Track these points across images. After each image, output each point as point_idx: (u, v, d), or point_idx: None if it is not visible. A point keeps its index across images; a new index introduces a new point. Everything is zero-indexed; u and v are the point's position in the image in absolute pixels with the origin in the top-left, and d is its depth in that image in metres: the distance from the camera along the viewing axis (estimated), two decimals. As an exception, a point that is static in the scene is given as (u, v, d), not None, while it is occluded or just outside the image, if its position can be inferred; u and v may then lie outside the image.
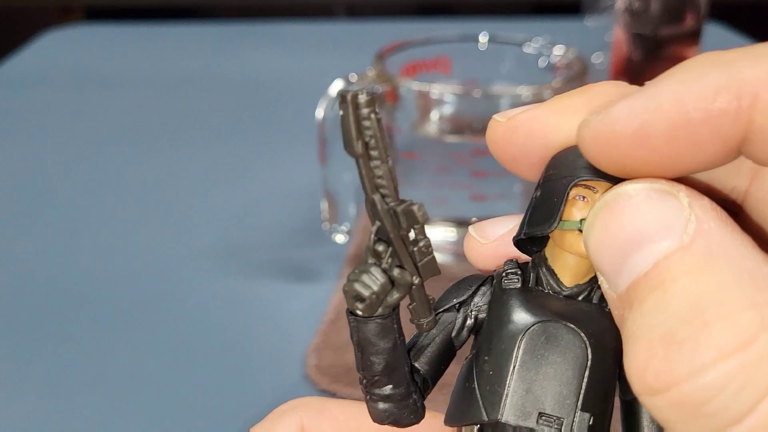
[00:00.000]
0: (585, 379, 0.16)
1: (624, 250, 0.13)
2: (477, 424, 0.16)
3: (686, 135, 0.13)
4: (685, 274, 0.12)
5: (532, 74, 0.50)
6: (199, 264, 0.51)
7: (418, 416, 0.18)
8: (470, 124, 0.48)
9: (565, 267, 0.16)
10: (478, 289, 0.17)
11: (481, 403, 0.16)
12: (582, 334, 0.16)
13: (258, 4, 1.71)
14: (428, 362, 0.17)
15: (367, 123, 0.15)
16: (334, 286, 0.48)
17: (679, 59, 0.57)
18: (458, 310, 0.17)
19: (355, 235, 0.52)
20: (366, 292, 0.15)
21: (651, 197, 0.13)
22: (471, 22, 0.99)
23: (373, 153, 0.15)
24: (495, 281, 0.17)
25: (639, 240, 0.13)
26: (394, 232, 0.15)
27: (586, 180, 0.15)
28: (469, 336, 0.18)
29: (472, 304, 0.17)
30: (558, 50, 0.50)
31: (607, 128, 0.14)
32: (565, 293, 0.17)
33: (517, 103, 0.44)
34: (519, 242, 0.17)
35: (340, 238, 0.49)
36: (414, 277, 0.16)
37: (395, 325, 0.16)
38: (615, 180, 0.15)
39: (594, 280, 0.17)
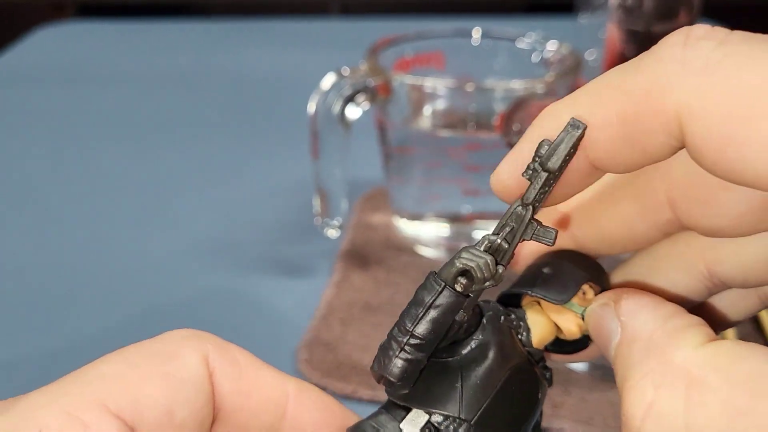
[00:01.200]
0: (530, 418, 0.19)
1: (601, 344, 0.18)
2: (447, 416, 0.18)
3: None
4: (619, 362, 0.17)
5: (525, 69, 0.50)
6: (191, 259, 0.51)
7: (407, 391, 0.18)
8: (463, 119, 0.47)
9: (539, 332, 0.20)
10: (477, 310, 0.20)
11: (461, 400, 0.18)
12: (540, 384, 0.20)
13: (252, 2, 1.71)
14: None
15: (573, 154, 0.17)
16: (325, 281, 0.47)
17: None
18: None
19: (347, 230, 0.52)
20: (479, 275, 0.17)
21: (597, 313, 0.19)
22: (465, 20, 0.99)
23: (554, 176, 0.17)
24: (492, 313, 0.20)
25: (605, 341, 0.18)
26: (517, 241, 0.18)
27: (589, 282, 0.20)
28: (448, 341, 0.19)
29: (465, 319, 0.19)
30: (551, 45, 0.50)
31: (499, 181, 0.18)
32: (527, 349, 0.20)
33: (510, 96, 0.43)
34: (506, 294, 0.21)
35: (332, 233, 0.49)
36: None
37: (461, 310, 0.18)
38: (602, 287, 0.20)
39: (542, 350, 0.21)
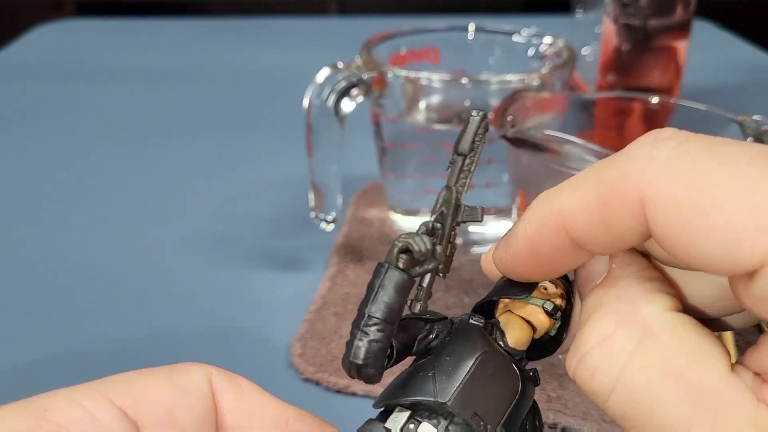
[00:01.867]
0: (512, 405, 0.20)
1: (582, 281, 0.20)
2: (416, 404, 0.19)
3: (540, 252, 0.19)
4: (591, 299, 0.19)
5: (520, 64, 0.50)
6: (186, 253, 0.51)
7: (378, 376, 0.19)
8: (458, 113, 0.47)
9: (513, 332, 0.21)
10: (441, 320, 0.21)
11: (435, 385, 0.19)
12: (518, 373, 0.20)
13: (249, 0, 1.71)
14: (400, 342, 0.20)
15: (480, 138, 0.20)
16: (320, 275, 0.47)
17: (668, 50, 0.57)
18: (426, 324, 0.21)
19: (342, 225, 0.52)
20: (416, 247, 0.18)
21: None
22: (462, 18, 0.99)
23: (470, 159, 0.20)
24: (459, 319, 0.21)
25: (586, 279, 0.20)
26: (451, 222, 0.19)
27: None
28: (423, 348, 0.20)
29: (435, 326, 0.21)
30: (546, 40, 0.49)
31: (495, 260, 0.20)
32: (506, 349, 0.21)
33: (505, 90, 0.43)
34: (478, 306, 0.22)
35: (327, 227, 0.49)
36: (441, 264, 0.19)
37: (409, 291, 0.19)
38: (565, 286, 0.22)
39: (525, 351, 0.21)
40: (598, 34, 0.60)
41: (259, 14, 1.10)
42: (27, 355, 0.42)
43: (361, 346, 0.18)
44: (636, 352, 0.17)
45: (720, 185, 0.16)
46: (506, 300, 0.21)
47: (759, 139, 0.38)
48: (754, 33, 1.01)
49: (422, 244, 0.18)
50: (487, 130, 0.19)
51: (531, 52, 0.50)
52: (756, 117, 0.38)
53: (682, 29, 0.57)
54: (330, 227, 0.49)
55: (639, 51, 0.56)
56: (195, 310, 0.45)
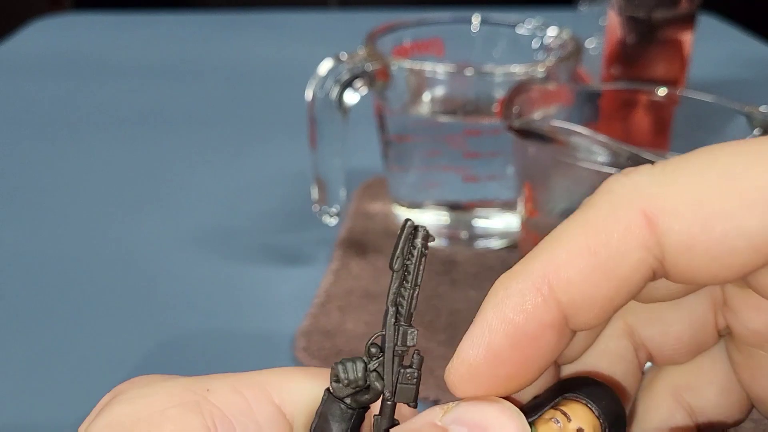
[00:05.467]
0: None
1: None
2: None
3: (524, 337, 0.16)
4: None
5: (525, 56, 0.50)
6: (190, 248, 0.50)
7: None
8: (463, 105, 0.47)
9: None
10: None
11: None
12: None
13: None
14: None
15: (414, 252, 0.17)
16: (324, 269, 0.47)
17: (673, 43, 0.57)
18: None
19: (346, 219, 0.52)
20: (342, 375, 0.17)
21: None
22: (466, 10, 0.99)
23: (407, 275, 0.17)
24: None
25: None
26: (389, 344, 0.17)
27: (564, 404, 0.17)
28: None
29: None
30: (551, 31, 0.49)
31: (465, 365, 0.16)
32: None
33: (509, 81, 0.43)
34: None
35: (330, 221, 0.48)
36: (386, 391, 0.17)
37: (352, 420, 0.18)
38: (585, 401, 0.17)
39: None
40: (602, 27, 0.59)
41: (260, 7, 1.10)
42: (27, 352, 0.41)
43: None
44: None
45: (742, 176, 0.14)
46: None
47: (767, 130, 0.37)
48: (759, 27, 1.01)
49: (349, 373, 0.17)
50: (427, 242, 0.17)
51: (536, 43, 0.50)
52: (763, 108, 0.38)
53: (688, 21, 0.56)
54: (333, 221, 0.48)
55: (644, 44, 0.56)
56: (198, 305, 0.45)
